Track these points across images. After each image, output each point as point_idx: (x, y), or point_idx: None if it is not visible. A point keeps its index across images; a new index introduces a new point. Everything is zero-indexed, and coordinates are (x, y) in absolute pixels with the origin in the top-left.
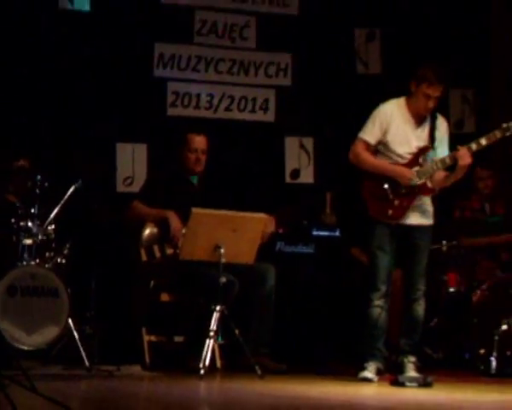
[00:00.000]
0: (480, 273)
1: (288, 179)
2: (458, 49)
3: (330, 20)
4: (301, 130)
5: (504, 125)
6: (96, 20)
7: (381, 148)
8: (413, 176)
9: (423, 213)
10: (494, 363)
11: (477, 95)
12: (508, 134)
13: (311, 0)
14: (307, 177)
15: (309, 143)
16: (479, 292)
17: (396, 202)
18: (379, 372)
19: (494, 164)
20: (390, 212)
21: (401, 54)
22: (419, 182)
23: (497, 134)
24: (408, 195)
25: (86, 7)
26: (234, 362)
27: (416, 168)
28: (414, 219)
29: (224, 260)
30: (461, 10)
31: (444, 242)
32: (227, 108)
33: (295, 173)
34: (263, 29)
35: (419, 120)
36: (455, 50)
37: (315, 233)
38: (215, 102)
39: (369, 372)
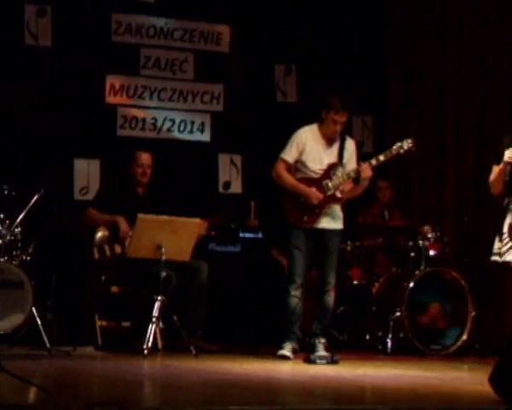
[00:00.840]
0: (379, 269)
1: (220, 190)
2: (359, 80)
3: (255, 56)
4: (231, 148)
5: (399, 144)
6: (57, 55)
7: (298, 165)
8: (317, 199)
9: (334, 218)
10: (389, 343)
11: (375, 120)
12: (401, 151)
13: (239, 40)
14: (236, 188)
15: (238, 159)
16: (377, 285)
17: (310, 211)
18: (294, 352)
19: (392, 176)
20: (305, 218)
21: (314, 85)
22: (329, 193)
23: (393, 151)
24: (320, 203)
25: (48, 44)
26: (173, 344)
27: (327, 181)
28: (326, 223)
29: (164, 257)
30: (362, 49)
31: (349, 242)
32: (169, 130)
33: (226, 185)
34: (199, 63)
35: (329, 142)
36: (357, 82)
37: (241, 235)
38: (158, 124)
39: (286, 351)
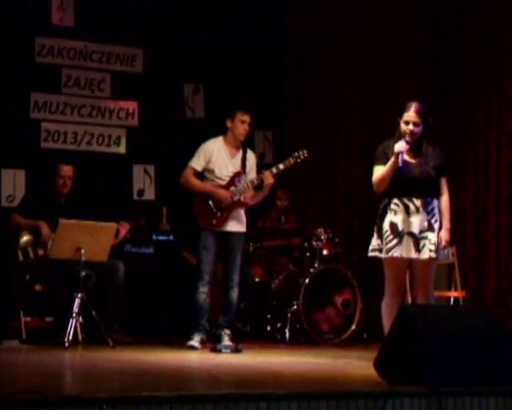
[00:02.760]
0: (278, 267)
1: (135, 197)
2: (261, 99)
3: (166, 76)
4: (145, 159)
5: (296, 154)
6: None
7: (206, 173)
8: (227, 196)
9: (239, 222)
10: (287, 334)
11: (274, 134)
12: (298, 160)
13: (152, 60)
14: (150, 195)
15: (151, 169)
16: (277, 281)
17: (218, 214)
18: (202, 342)
19: (289, 185)
20: (214, 221)
21: (219, 102)
22: (235, 198)
23: (291, 160)
24: (226, 209)
25: None
26: (92, 337)
27: (232, 188)
28: (232, 226)
29: (84, 258)
30: (263, 70)
31: (251, 243)
32: (88, 143)
33: (140, 192)
34: (115, 82)
35: (233, 152)
36: (259, 100)
37: (154, 238)
38: (79, 138)
39: (195, 342)
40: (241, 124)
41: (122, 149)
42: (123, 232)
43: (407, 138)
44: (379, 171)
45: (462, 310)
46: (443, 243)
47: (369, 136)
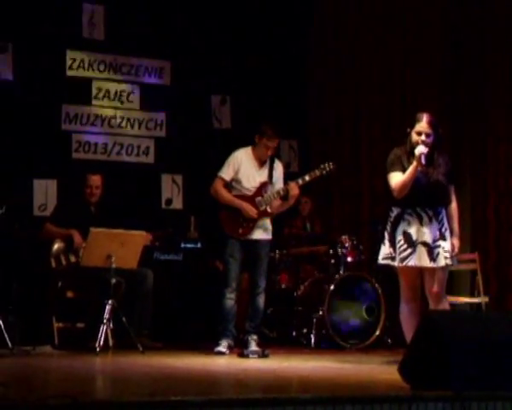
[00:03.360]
0: (303, 274)
1: (163, 206)
2: (286, 109)
3: (194, 88)
4: (173, 169)
5: (322, 166)
6: (17, 88)
7: (233, 183)
8: (252, 212)
9: (265, 230)
10: (313, 339)
11: (300, 144)
12: (324, 172)
13: (180, 73)
14: (178, 204)
15: (179, 179)
16: (302, 288)
17: (244, 224)
18: (230, 348)
19: (312, 192)
20: (240, 230)
21: (245, 113)
22: (261, 208)
23: (317, 172)
24: (253, 219)
25: (10, 77)
26: (122, 342)
27: (259, 198)
28: (258, 235)
29: (114, 265)
30: (289, 82)
31: (277, 251)
32: (118, 153)
33: (169, 202)
34: (144, 94)
35: (261, 163)
36: (284, 110)
37: (182, 245)
38: (108, 148)
39: (223, 347)
40: (265, 148)
41: (150, 159)
42: (147, 241)
43: (422, 161)
44: (398, 176)
45: (485, 315)
46: (456, 249)
47: (391, 145)
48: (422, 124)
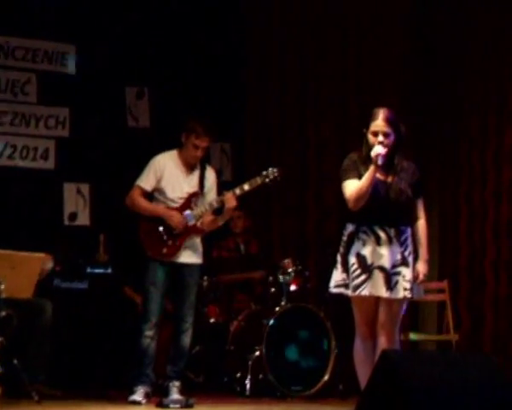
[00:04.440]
0: (237, 306)
1: (66, 222)
2: (216, 107)
3: (104, 78)
4: (78, 177)
5: (264, 173)
6: None
7: (156, 194)
8: (183, 221)
9: (194, 252)
10: (248, 385)
11: (233, 148)
12: (267, 181)
13: (86, 60)
14: (83, 219)
15: (85, 188)
16: (235, 322)
17: (169, 242)
18: (147, 396)
19: (248, 205)
20: (164, 250)
21: (167, 110)
22: (190, 223)
23: (258, 180)
24: (180, 235)
25: None
26: (13, 389)
27: (188, 212)
28: (185, 257)
29: (3, 295)
30: (219, 72)
31: (205, 277)
32: (10, 157)
33: (73, 216)
34: (43, 85)
35: (189, 169)
36: (214, 109)
37: (89, 270)
38: None
39: (138, 396)
40: (193, 149)
41: (50, 165)
42: (47, 265)
43: (379, 162)
44: (353, 184)
45: (455, 357)
46: (421, 276)
47: (345, 152)
48: (378, 122)
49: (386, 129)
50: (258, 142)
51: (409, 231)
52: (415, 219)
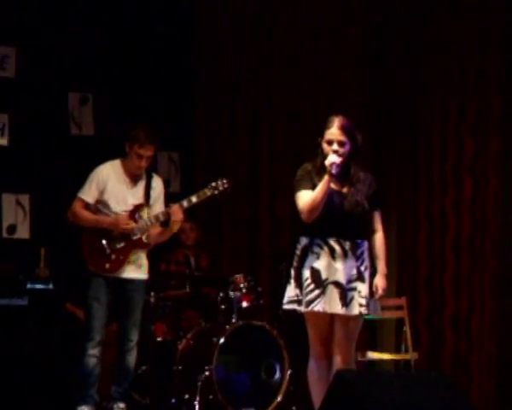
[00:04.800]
0: (185, 323)
1: (4, 234)
2: (165, 114)
3: (45, 83)
4: (18, 187)
5: (213, 184)
6: None
7: (99, 206)
8: (127, 219)
9: (139, 267)
10: (197, 407)
11: (182, 157)
12: (216, 192)
13: (27, 64)
14: (23, 232)
15: (25, 200)
16: (184, 341)
17: (113, 256)
18: None
19: (197, 217)
20: (107, 265)
21: (112, 117)
22: (135, 237)
23: (207, 192)
24: (124, 249)
25: None
26: None
27: (133, 225)
28: (130, 272)
29: None
30: (168, 79)
31: (152, 293)
32: None
33: (11, 229)
34: None
35: (134, 180)
36: (162, 117)
37: (29, 286)
38: None
39: None
40: (137, 159)
41: None
42: None
43: (333, 171)
44: (307, 195)
45: (413, 377)
46: (380, 291)
47: (299, 162)
48: (333, 130)
49: (341, 137)
50: (208, 151)
51: (365, 244)
52: (372, 232)
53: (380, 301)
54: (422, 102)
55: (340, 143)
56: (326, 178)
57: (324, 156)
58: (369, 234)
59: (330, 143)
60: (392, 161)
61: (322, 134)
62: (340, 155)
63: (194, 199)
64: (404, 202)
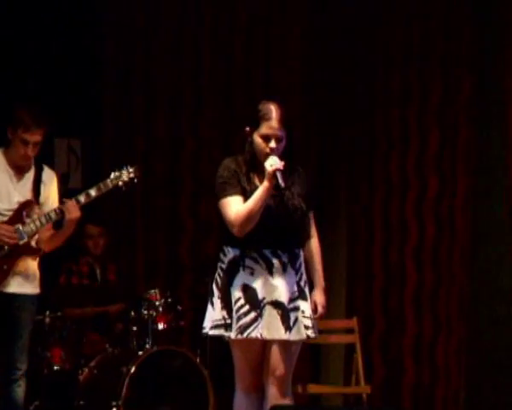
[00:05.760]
0: (88, 348)
1: None
2: (64, 93)
3: None
4: None
5: (116, 174)
6: None
7: None
8: (11, 232)
9: (27, 279)
10: None
11: (85, 146)
12: (120, 184)
13: None
14: None
15: None
16: (86, 370)
17: None
18: None
19: (105, 220)
20: None
21: None
22: (22, 242)
23: (109, 184)
24: (8, 257)
25: None
26: None
27: (19, 226)
28: (16, 286)
29: None
30: (64, 55)
31: (47, 312)
32: None
33: None
34: None
35: (20, 172)
36: (59, 94)
37: None
38: None
39: None
40: (22, 144)
41: None
42: None
43: (280, 182)
44: (237, 204)
45: None
46: (320, 309)
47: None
48: (273, 124)
49: (280, 133)
50: (119, 140)
51: (301, 254)
52: (305, 238)
53: (316, 322)
54: (380, 85)
55: (279, 140)
56: (266, 184)
57: (255, 152)
58: (302, 241)
59: (268, 138)
60: (341, 157)
61: (252, 123)
62: (278, 155)
63: (93, 193)
64: (356, 205)
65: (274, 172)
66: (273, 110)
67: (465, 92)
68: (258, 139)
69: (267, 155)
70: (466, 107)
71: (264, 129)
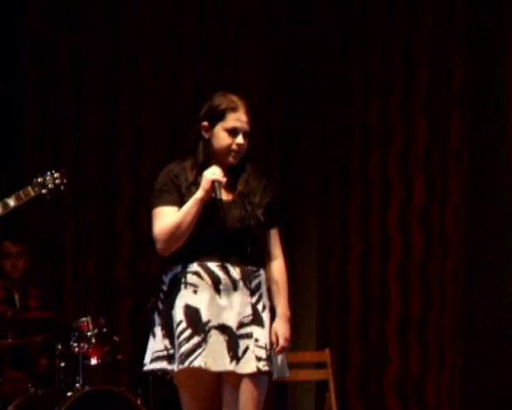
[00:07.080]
0: (7, 388)
1: None
2: None
3: None
4: None
5: (39, 180)
6: None
7: None
8: None
9: None
10: None
11: (2, 149)
12: (44, 191)
13: None
14: None
15: None
16: None
17: None
18: None
19: (27, 236)
20: None
21: None
22: None
23: (31, 191)
24: None
25: None
26: None
27: None
28: None
29: None
30: None
31: None
32: None
33: None
34: None
35: None
36: None
37: None
38: None
39: None
40: None
41: None
42: None
43: (217, 193)
44: (167, 215)
45: None
46: (281, 341)
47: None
48: (241, 116)
49: (248, 127)
50: (42, 138)
51: (262, 274)
52: (268, 257)
53: (284, 357)
54: (357, 75)
55: (246, 135)
56: (199, 195)
57: (211, 153)
58: (264, 260)
59: (235, 133)
60: (311, 160)
61: (213, 117)
62: (238, 154)
63: (11, 202)
64: (329, 216)
65: (212, 182)
66: (239, 101)
67: (457, 78)
68: (222, 134)
69: (231, 153)
70: (458, 95)
71: (232, 121)
